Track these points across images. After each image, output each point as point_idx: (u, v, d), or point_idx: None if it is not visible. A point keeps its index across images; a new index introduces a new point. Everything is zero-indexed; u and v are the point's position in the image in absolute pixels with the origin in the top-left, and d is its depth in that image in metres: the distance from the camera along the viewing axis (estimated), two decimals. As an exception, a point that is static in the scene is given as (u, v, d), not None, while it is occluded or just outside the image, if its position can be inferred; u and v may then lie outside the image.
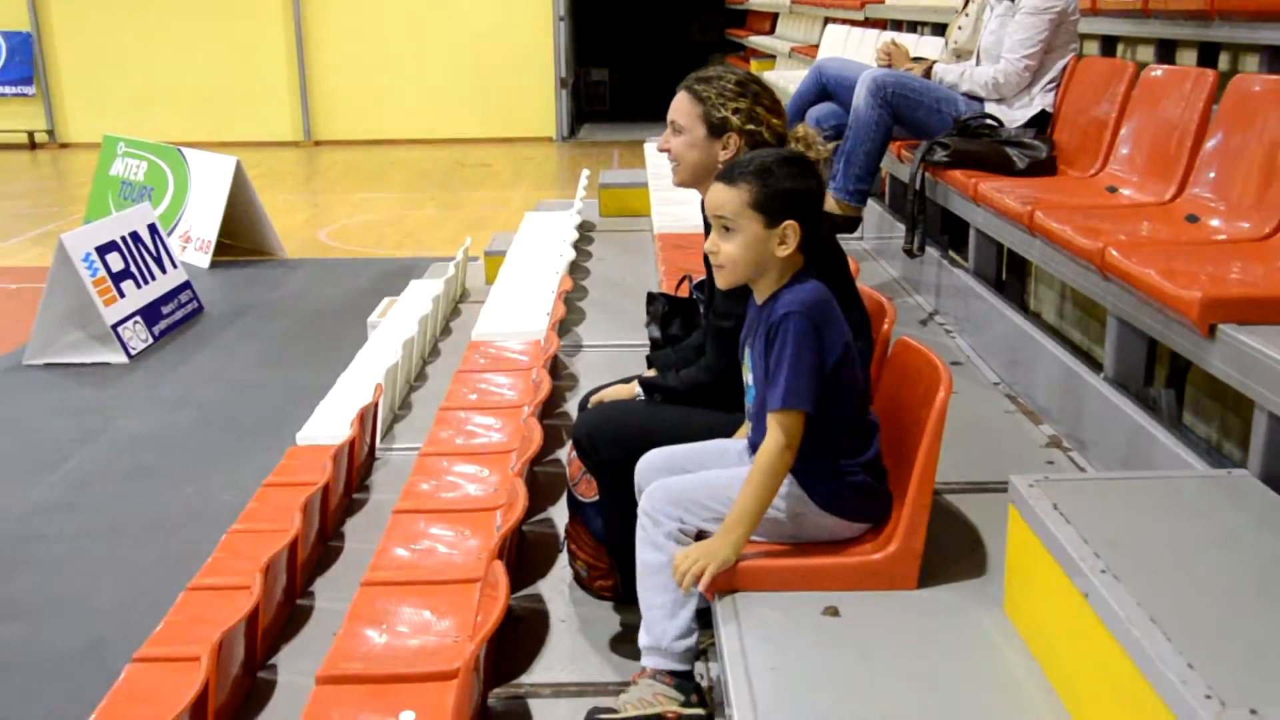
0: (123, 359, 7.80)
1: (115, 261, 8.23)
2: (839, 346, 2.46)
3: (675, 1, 24.04)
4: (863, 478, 2.53)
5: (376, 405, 4.79)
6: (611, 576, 3.04)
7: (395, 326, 6.34)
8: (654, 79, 17.06)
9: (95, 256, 8.04)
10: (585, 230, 7.61)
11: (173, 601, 3.66)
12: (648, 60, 23.04)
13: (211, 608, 3.47)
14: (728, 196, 2.48)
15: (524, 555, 3.42)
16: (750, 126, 2.97)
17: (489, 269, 7.47)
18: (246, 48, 19.37)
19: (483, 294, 6.69)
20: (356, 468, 4.46)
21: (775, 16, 16.81)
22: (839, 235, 4.13)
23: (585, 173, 9.70)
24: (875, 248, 6.10)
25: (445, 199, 14.42)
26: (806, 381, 2.39)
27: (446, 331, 6.54)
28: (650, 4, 24.06)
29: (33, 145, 19.43)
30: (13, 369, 7.63)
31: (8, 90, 19.38)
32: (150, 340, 8.18)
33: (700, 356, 2.99)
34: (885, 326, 2.98)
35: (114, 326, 7.87)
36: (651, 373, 3.13)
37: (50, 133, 19.59)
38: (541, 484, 3.88)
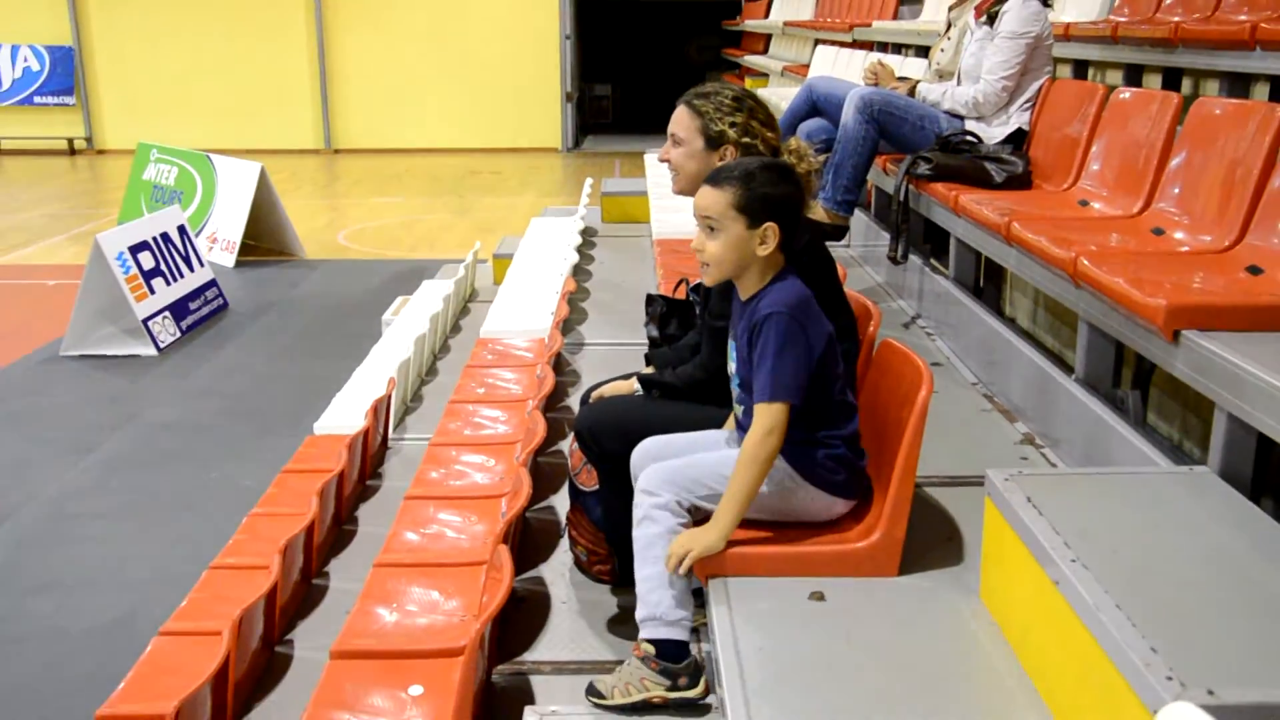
0: (152, 352, 7.78)
1: (146, 260, 8.21)
2: (822, 341, 2.46)
3: (674, 22, 24.00)
4: (842, 450, 2.53)
5: (389, 397, 4.77)
6: (610, 561, 3.02)
7: (408, 324, 6.33)
8: (654, 95, 17.04)
9: (128, 255, 8.02)
10: (588, 235, 7.59)
11: (196, 579, 3.65)
12: (648, 77, 23.01)
13: (232, 586, 3.46)
14: (713, 198, 2.49)
15: (527, 540, 3.40)
16: (746, 139, 2.95)
17: (497, 270, 7.45)
18: (272, 62, 19.36)
19: (491, 294, 6.67)
20: (370, 456, 4.44)
21: (769, 37, 16.79)
22: (828, 243, 4.12)
23: (589, 181, 9.68)
24: (862, 255, 6.09)
25: (456, 204, 14.40)
26: (792, 375, 2.40)
27: (456, 329, 6.52)
28: (651, 24, 24.03)
29: (72, 151, 19.41)
30: (50, 360, 7.61)
31: (50, 100, 19.36)
32: (178, 334, 8.16)
33: (696, 355, 2.97)
34: (870, 329, 2.97)
35: (144, 321, 7.85)
36: (650, 370, 3.12)
37: (89, 140, 19.57)
38: (545, 473, 3.86)
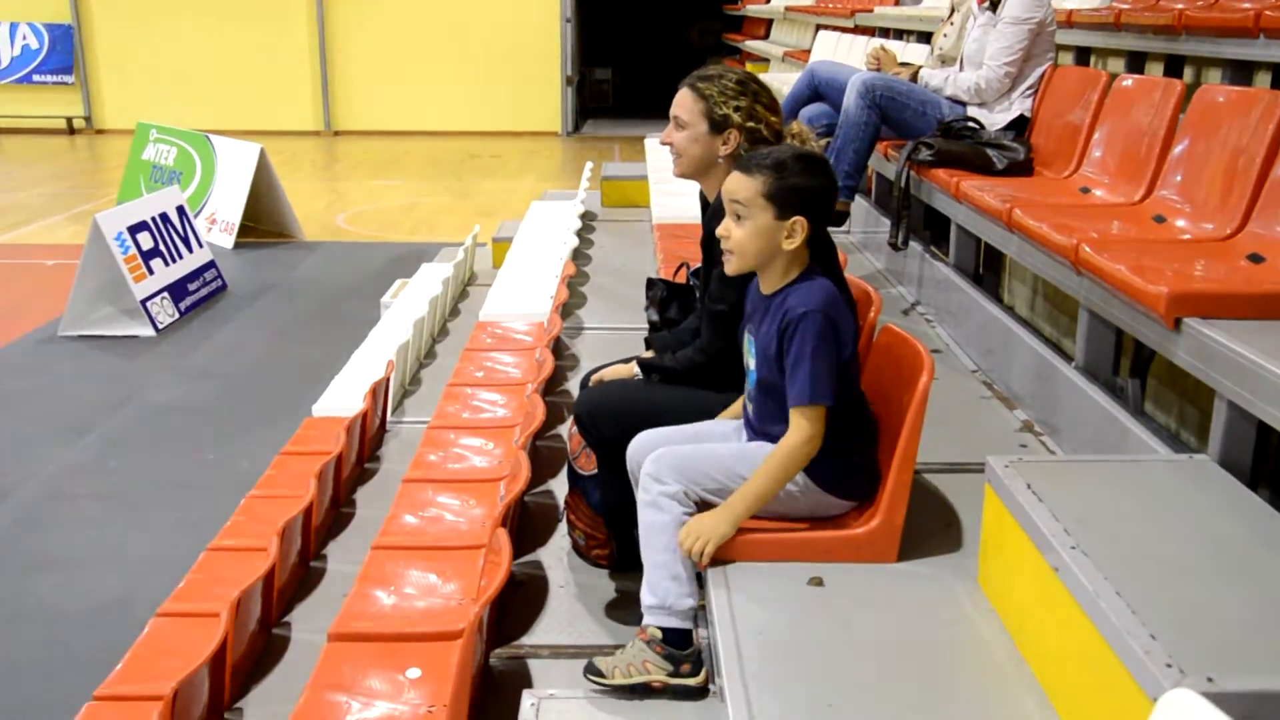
0: (150, 332, 7.76)
1: (145, 240, 8.18)
2: (851, 340, 2.45)
3: (675, 6, 23.92)
4: (862, 458, 2.53)
5: (388, 380, 4.76)
6: (608, 546, 3.02)
7: (407, 306, 6.32)
8: (654, 79, 17.00)
9: (127, 235, 7.99)
10: (588, 219, 7.58)
11: (194, 561, 3.64)
12: (649, 61, 22.94)
13: (230, 567, 3.46)
14: (743, 184, 2.45)
15: (525, 524, 3.40)
16: (750, 123, 2.94)
17: (496, 254, 7.44)
18: (272, 42, 19.28)
19: (490, 277, 6.66)
20: (369, 439, 4.44)
21: (770, 22, 16.74)
22: (829, 228, 4.12)
23: (589, 165, 9.66)
24: (862, 241, 6.07)
25: (456, 188, 14.35)
26: (827, 377, 2.37)
27: (455, 312, 6.51)
28: (651, 8, 23.95)
29: (71, 131, 19.33)
30: (49, 340, 7.59)
31: (49, 79, 19.27)
32: (177, 315, 8.14)
33: (696, 339, 2.97)
34: (871, 315, 2.96)
35: (143, 302, 7.83)
36: (649, 354, 3.11)
37: (88, 119, 19.49)
38: (543, 457, 3.86)
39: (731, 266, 2.52)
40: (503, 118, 19.56)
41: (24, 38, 19.21)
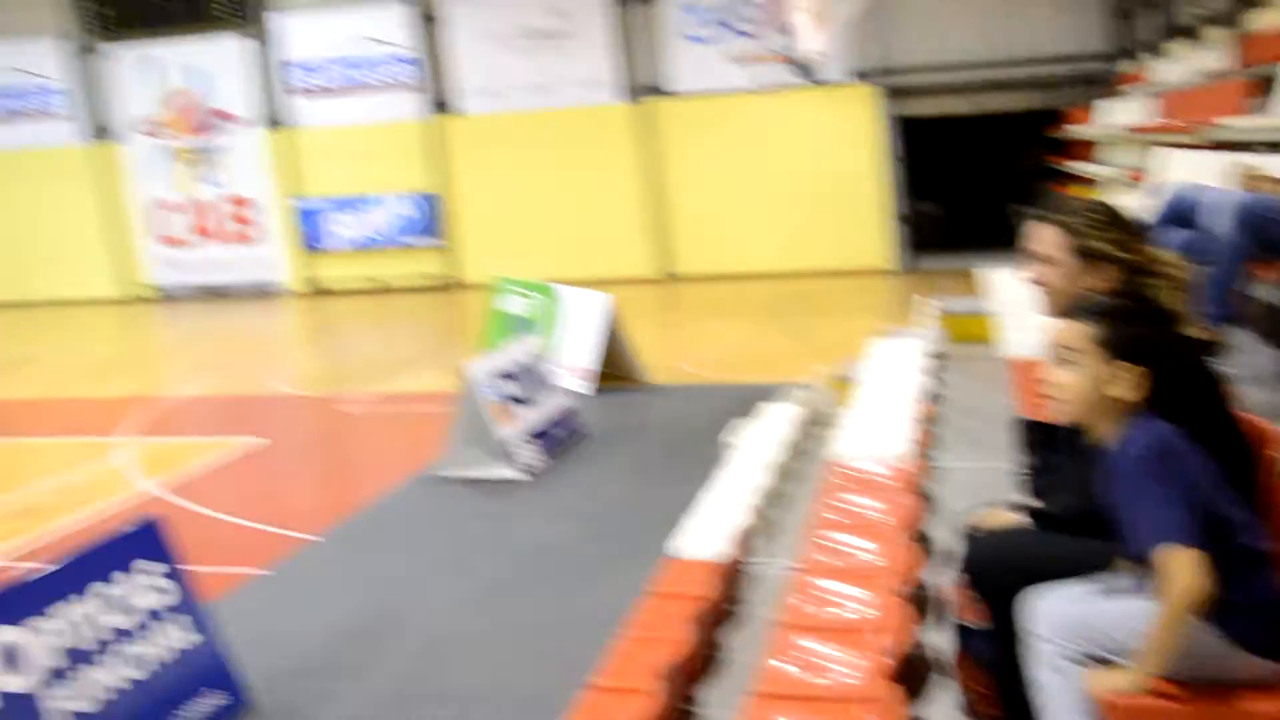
0: (519, 475, 8.15)
1: (510, 388, 8.68)
2: (1197, 479, 2.26)
3: (999, 135, 23.46)
4: (1259, 604, 2.28)
5: (750, 523, 4.77)
6: (999, 704, 2.84)
7: (756, 447, 6.34)
8: (982, 210, 16.67)
9: (494, 383, 8.51)
10: (933, 356, 7.41)
11: (572, 699, 3.71)
12: (976, 192, 22.52)
13: (611, 708, 3.50)
14: (1075, 331, 2.38)
15: (904, 675, 3.25)
16: (1121, 254, 2.81)
17: (840, 393, 7.38)
18: (610, 199, 20.48)
19: (836, 418, 6.60)
20: (733, 582, 4.43)
21: (1098, 144, 16.08)
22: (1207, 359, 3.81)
23: (925, 301, 9.50)
24: (1244, 373, 5.57)
25: (792, 328, 14.49)
26: (1172, 515, 2.20)
27: (804, 454, 6.48)
28: (974, 139, 23.60)
29: (441, 288, 21.21)
30: (429, 482, 8.16)
31: (424, 242, 21.40)
32: (543, 458, 8.50)
33: (1079, 483, 2.79)
34: (1271, 453, 2.67)
35: (511, 445, 8.26)
36: (1036, 501, 2.95)
37: (453, 276, 21.35)
38: (915, 604, 3.70)
39: (1062, 414, 2.41)
40: (832, 256, 19.70)
41: (401, 208, 21.48)
